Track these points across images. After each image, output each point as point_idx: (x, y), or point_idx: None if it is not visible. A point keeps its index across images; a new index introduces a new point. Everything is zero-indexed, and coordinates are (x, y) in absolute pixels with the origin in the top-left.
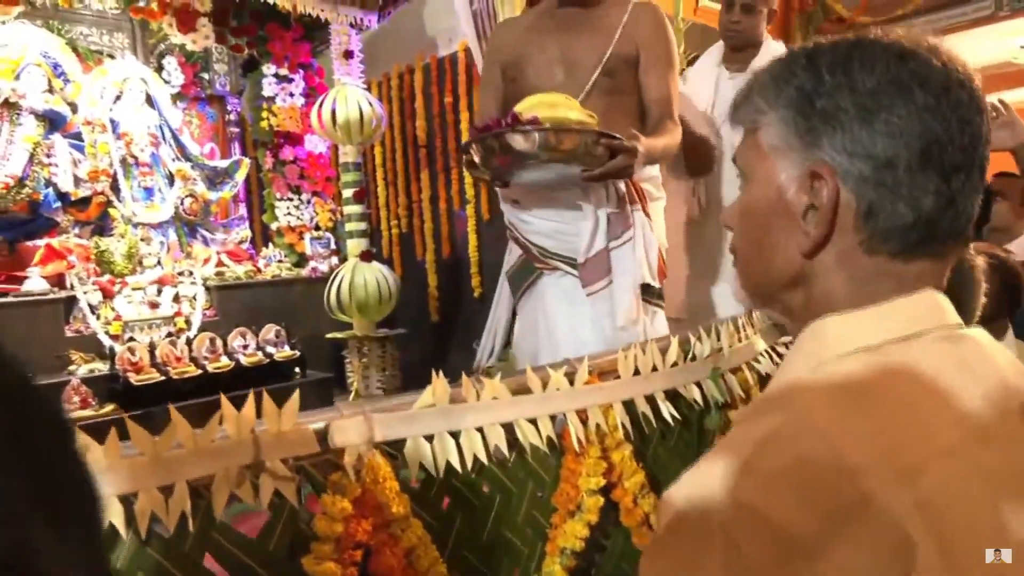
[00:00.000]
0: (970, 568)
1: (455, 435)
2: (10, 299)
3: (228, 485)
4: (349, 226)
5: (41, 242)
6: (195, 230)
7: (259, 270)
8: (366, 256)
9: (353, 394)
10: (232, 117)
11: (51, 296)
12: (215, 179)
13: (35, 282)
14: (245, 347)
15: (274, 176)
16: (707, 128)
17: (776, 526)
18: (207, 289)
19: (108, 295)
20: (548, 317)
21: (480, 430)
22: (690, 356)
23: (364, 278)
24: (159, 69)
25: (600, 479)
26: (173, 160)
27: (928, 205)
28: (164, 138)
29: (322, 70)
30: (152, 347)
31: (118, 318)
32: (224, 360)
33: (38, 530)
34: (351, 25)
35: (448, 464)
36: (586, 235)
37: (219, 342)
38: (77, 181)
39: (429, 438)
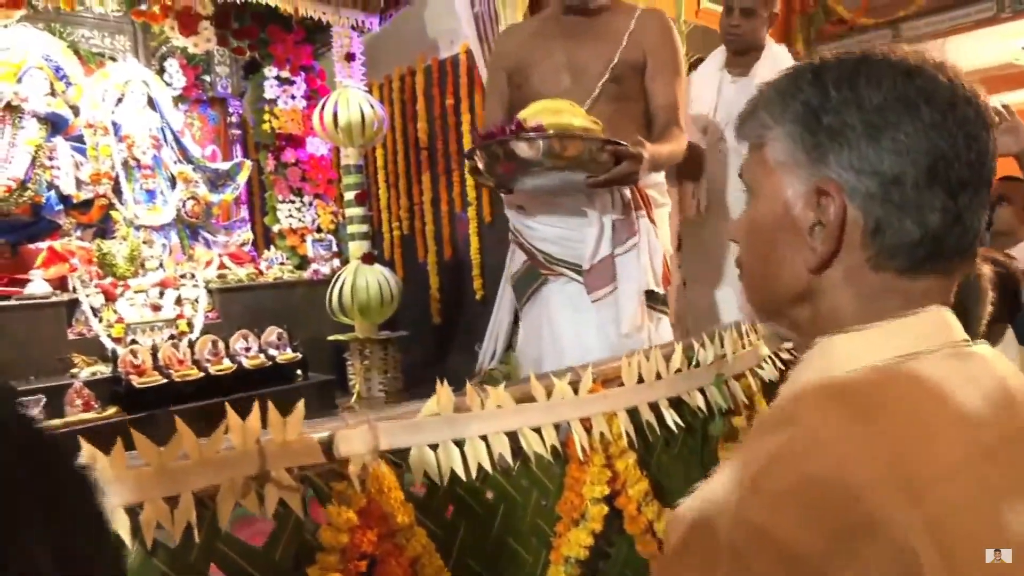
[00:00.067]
0: None
1: (459, 443)
2: (13, 302)
3: (233, 495)
4: (351, 228)
5: (43, 245)
6: (197, 232)
7: (261, 272)
8: (368, 258)
9: (355, 396)
10: (234, 119)
11: (53, 299)
12: (217, 181)
13: (38, 285)
14: (247, 349)
15: (276, 178)
16: (696, 132)
17: (783, 545)
18: (209, 291)
19: (110, 298)
20: (553, 323)
21: (484, 438)
22: (694, 363)
23: (366, 280)
24: (161, 71)
25: (604, 487)
26: (175, 162)
27: (935, 222)
28: (166, 140)
29: (324, 72)
30: (154, 350)
31: (120, 321)
32: (226, 363)
33: None
34: (352, 27)
35: (452, 472)
36: (591, 241)
37: (221, 344)
38: (79, 184)
39: (433, 447)
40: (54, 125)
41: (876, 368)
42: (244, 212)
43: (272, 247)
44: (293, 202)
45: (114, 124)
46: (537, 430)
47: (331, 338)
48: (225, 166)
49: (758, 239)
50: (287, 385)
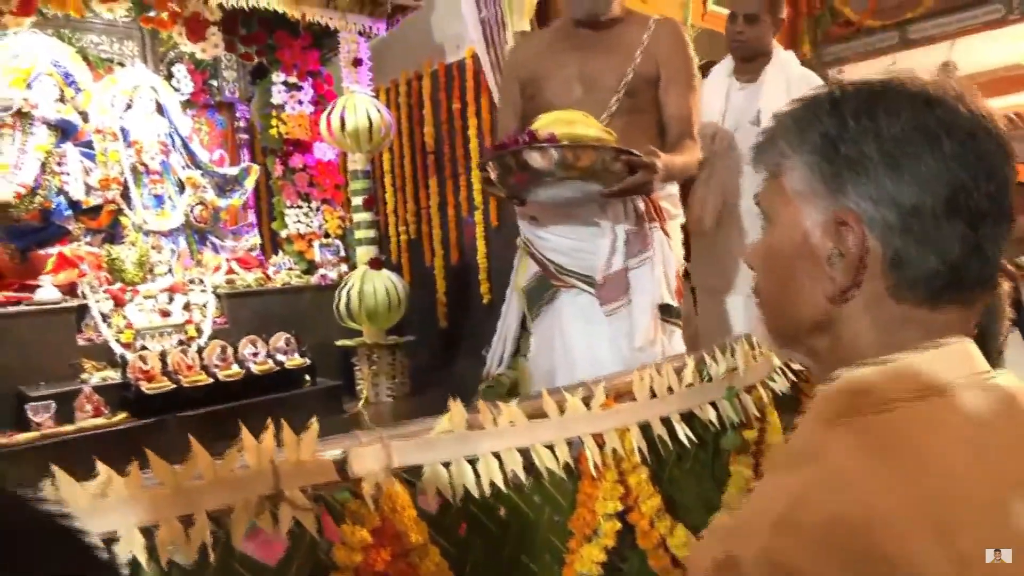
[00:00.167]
0: None
1: (472, 461)
2: (23, 308)
3: (247, 515)
4: (358, 234)
5: (53, 250)
6: (205, 238)
7: (269, 277)
8: (375, 264)
9: (363, 401)
10: (241, 124)
11: (63, 305)
12: (225, 186)
13: (47, 291)
14: (255, 355)
15: (283, 183)
16: (705, 140)
17: None
18: (217, 297)
19: (119, 303)
20: (565, 335)
21: (497, 455)
22: (706, 376)
23: (373, 286)
24: (169, 77)
25: (617, 503)
26: (183, 168)
27: (955, 253)
28: (174, 146)
29: (331, 78)
30: (164, 355)
31: (129, 326)
32: (235, 368)
33: None
34: (359, 33)
35: (465, 490)
36: (604, 253)
37: (230, 350)
38: (88, 189)
39: (446, 464)
40: (64, 131)
41: (900, 402)
42: (252, 217)
43: (280, 252)
44: (301, 207)
45: (123, 130)
46: (549, 446)
47: (339, 343)
48: (233, 171)
49: (776, 266)
50: (295, 390)
